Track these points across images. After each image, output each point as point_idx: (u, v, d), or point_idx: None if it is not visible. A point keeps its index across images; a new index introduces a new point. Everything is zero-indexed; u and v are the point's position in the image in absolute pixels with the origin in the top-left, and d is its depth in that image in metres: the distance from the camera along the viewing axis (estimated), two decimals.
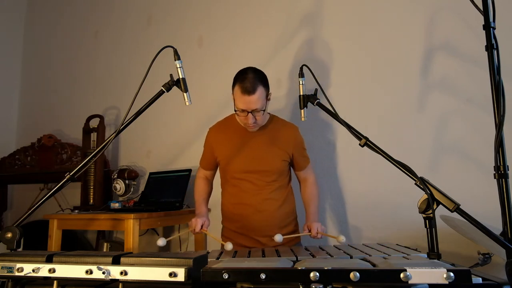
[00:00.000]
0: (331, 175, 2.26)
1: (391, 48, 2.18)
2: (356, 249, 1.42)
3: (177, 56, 1.46)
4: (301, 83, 1.61)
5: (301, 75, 1.61)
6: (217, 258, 1.29)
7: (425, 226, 1.15)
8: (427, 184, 1.17)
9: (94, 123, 2.85)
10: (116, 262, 0.93)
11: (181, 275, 0.86)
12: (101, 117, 2.86)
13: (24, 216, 1.32)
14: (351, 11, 2.30)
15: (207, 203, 1.94)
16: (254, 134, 1.84)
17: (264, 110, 1.73)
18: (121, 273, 0.89)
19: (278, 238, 1.59)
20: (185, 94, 1.46)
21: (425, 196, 1.15)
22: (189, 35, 2.82)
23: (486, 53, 1.17)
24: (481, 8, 1.19)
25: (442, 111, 2.03)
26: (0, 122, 3.44)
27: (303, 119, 1.61)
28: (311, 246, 1.56)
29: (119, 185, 2.66)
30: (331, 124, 2.29)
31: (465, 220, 1.09)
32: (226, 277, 0.84)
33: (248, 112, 1.69)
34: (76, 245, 2.83)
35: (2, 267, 0.97)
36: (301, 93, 1.60)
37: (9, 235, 1.23)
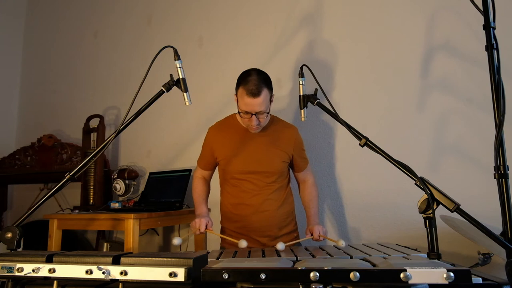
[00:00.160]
0: (331, 175, 2.26)
1: (391, 48, 2.18)
2: (356, 249, 1.42)
3: (177, 56, 1.46)
4: (301, 83, 1.61)
5: (301, 75, 1.61)
6: (217, 258, 1.29)
7: (425, 226, 1.16)
8: (427, 184, 1.17)
9: (94, 123, 2.85)
10: (116, 262, 0.93)
11: (181, 275, 0.86)
12: (101, 117, 2.86)
13: (24, 216, 1.32)
14: (351, 11, 2.30)
15: (207, 203, 1.93)
16: (255, 135, 1.83)
17: (268, 112, 1.73)
18: (121, 273, 0.89)
19: (280, 246, 1.57)
20: (185, 94, 1.46)
21: (425, 196, 1.15)
22: (189, 35, 2.82)
23: (486, 53, 1.17)
24: (481, 8, 1.19)
25: (442, 111, 2.03)
26: (0, 122, 3.44)
27: (303, 119, 1.61)
28: (311, 246, 1.56)
29: (119, 185, 2.66)
30: (331, 124, 2.29)
31: (465, 220, 1.09)
32: (226, 277, 0.84)
33: (252, 114, 1.69)
34: (76, 245, 2.83)
35: (2, 267, 0.97)
36: (301, 93, 1.60)
37: (9, 235, 1.23)
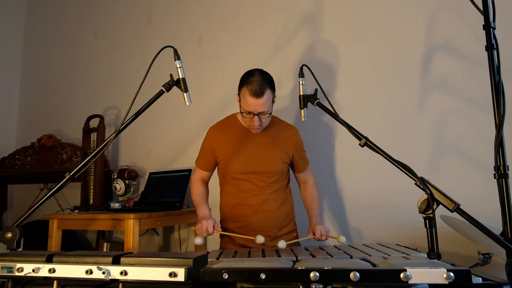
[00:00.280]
0: (331, 175, 2.26)
1: (391, 48, 2.18)
2: (356, 249, 1.42)
3: (177, 56, 1.46)
4: (301, 83, 1.61)
5: (301, 75, 1.61)
6: (217, 258, 1.29)
7: (425, 226, 1.15)
8: (427, 184, 1.17)
9: (94, 123, 2.85)
10: (116, 262, 0.93)
11: (181, 275, 0.86)
12: (101, 117, 2.86)
13: (24, 216, 1.32)
14: (351, 11, 2.30)
15: (208, 204, 1.90)
16: (255, 135, 1.84)
17: (270, 113, 1.73)
18: (121, 273, 0.89)
19: (282, 244, 1.57)
20: (185, 94, 1.46)
21: (425, 196, 1.15)
22: (189, 35, 2.82)
23: (486, 53, 1.17)
24: (481, 8, 1.19)
25: (442, 111, 2.03)
26: (0, 122, 3.44)
27: (303, 119, 1.61)
28: (311, 246, 1.56)
29: (119, 185, 2.66)
30: (331, 124, 2.29)
31: (465, 220, 1.09)
32: (226, 277, 0.84)
33: (255, 115, 1.69)
34: (76, 245, 2.83)
35: (2, 267, 0.97)
36: (301, 93, 1.60)
37: (9, 235, 1.23)
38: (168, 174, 2.64)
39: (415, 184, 1.20)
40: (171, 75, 1.46)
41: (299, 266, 0.86)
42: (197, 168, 1.95)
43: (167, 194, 2.53)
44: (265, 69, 1.76)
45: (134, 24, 3.09)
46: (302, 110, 1.61)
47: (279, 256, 1.32)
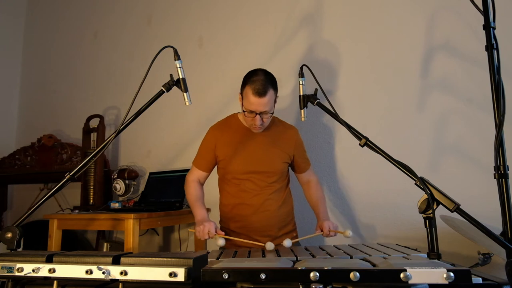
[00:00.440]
0: (331, 175, 2.26)
1: (391, 48, 2.18)
2: (356, 249, 1.42)
3: (177, 56, 1.46)
4: (301, 83, 1.61)
5: (301, 75, 1.61)
6: (217, 258, 1.29)
7: (425, 226, 1.15)
8: (427, 184, 1.17)
9: (94, 123, 2.85)
10: (116, 262, 0.93)
11: (181, 275, 0.86)
12: (101, 117, 2.87)
13: (24, 216, 1.32)
14: (351, 11, 2.30)
15: (205, 206, 1.87)
16: (256, 135, 1.84)
17: (272, 113, 1.73)
18: (121, 273, 0.89)
19: (287, 243, 1.56)
20: (185, 94, 1.45)
21: (425, 196, 1.15)
22: (189, 35, 2.82)
23: (486, 53, 1.17)
24: (481, 8, 1.19)
25: (442, 111, 2.03)
26: (0, 122, 3.44)
27: (303, 119, 1.61)
28: (311, 246, 1.56)
29: (119, 185, 2.66)
30: (331, 124, 2.29)
31: (465, 220, 1.09)
32: (226, 277, 0.84)
33: (257, 114, 1.69)
34: (76, 245, 2.83)
35: (2, 267, 0.97)
36: (301, 93, 1.60)
37: (9, 235, 1.23)
38: (168, 174, 2.64)
39: (415, 184, 1.20)
40: (171, 75, 1.46)
41: (299, 266, 0.86)
42: (195, 168, 1.91)
43: (167, 194, 2.53)
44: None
45: (134, 24, 3.09)
46: (302, 110, 1.61)
47: (279, 256, 1.32)
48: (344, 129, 1.40)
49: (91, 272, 0.91)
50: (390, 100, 2.15)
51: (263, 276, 0.82)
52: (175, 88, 1.46)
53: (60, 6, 3.53)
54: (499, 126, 1.11)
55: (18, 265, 0.96)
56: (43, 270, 0.94)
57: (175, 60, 1.45)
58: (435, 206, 1.14)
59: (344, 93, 2.27)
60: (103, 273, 0.90)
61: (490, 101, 1.14)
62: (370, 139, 1.35)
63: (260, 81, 1.65)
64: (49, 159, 2.99)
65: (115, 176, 2.70)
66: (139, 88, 1.39)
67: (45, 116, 3.38)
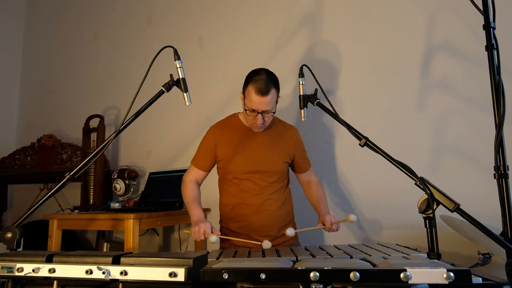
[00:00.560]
0: (331, 175, 2.26)
1: (391, 48, 2.18)
2: (356, 249, 1.42)
3: (177, 56, 1.46)
4: (301, 83, 1.61)
5: (301, 75, 1.61)
6: (217, 258, 1.29)
7: (425, 226, 1.15)
8: (427, 184, 1.17)
9: (94, 123, 2.85)
10: (116, 262, 0.93)
11: (181, 275, 0.86)
12: (101, 117, 2.87)
13: (24, 216, 1.32)
14: (351, 11, 2.30)
15: (201, 206, 1.82)
16: (256, 135, 1.84)
17: (274, 112, 1.74)
18: (121, 273, 0.89)
19: (290, 232, 1.56)
20: (185, 94, 1.45)
21: (425, 196, 1.15)
22: (189, 35, 2.82)
23: (486, 53, 1.17)
24: (481, 8, 1.19)
25: (442, 111, 2.03)
26: (0, 122, 3.44)
27: (303, 119, 1.61)
28: (311, 246, 1.56)
29: (119, 185, 2.66)
30: (331, 124, 2.29)
31: (465, 220, 1.09)
32: (226, 277, 0.84)
33: (258, 113, 1.69)
34: (76, 245, 2.83)
35: (2, 267, 0.97)
36: (301, 93, 1.60)
37: (9, 235, 1.23)
38: (168, 174, 2.64)
39: (415, 184, 1.20)
40: (171, 75, 1.46)
41: (299, 266, 0.86)
42: (193, 167, 1.89)
43: (167, 194, 2.53)
44: None
45: (134, 24, 3.09)
46: (302, 110, 1.61)
47: (279, 256, 1.32)
48: (344, 129, 1.40)
49: (91, 272, 0.91)
50: (390, 100, 2.15)
51: (263, 276, 0.82)
52: (175, 88, 1.46)
53: (60, 6, 3.53)
54: (499, 126, 1.11)
55: (18, 265, 0.96)
56: (43, 270, 0.94)
57: (175, 60, 1.45)
58: (435, 206, 1.14)
59: (344, 93, 2.27)
60: (103, 273, 0.90)
61: (490, 101, 1.14)
62: (370, 139, 1.35)
63: (263, 80, 1.66)
64: (49, 159, 2.99)
65: (115, 176, 2.70)
66: (139, 88, 1.39)
67: (45, 116, 3.38)
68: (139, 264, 0.90)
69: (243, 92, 1.74)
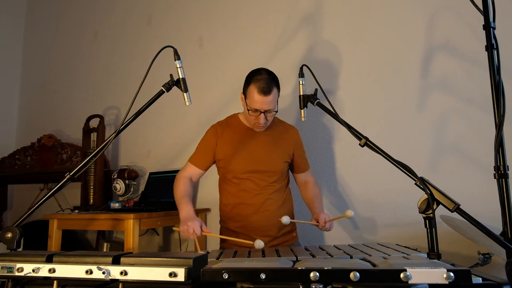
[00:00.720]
0: (331, 175, 2.26)
1: (391, 48, 2.18)
2: (356, 249, 1.42)
3: (177, 56, 1.46)
4: (301, 83, 1.61)
5: (301, 75, 1.61)
6: (217, 258, 1.29)
7: (425, 226, 1.15)
8: (427, 184, 1.17)
9: (94, 123, 2.85)
10: (116, 262, 0.93)
11: (181, 275, 0.86)
12: (101, 117, 2.86)
13: (24, 216, 1.31)
14: (351, 11, 2.30)
15: (192, 204, 1.75)
16: (256, 135, 1.84)
17: (276, 111, 1.74)
18: (121, 273, 0.89)
19: (286, 219, 1.57)
20: (185, 94, 1.45)
21: (425, 196, 1.15)
22: (189, 35, 2.82)
23: (486, 53, 1.17)
24: (481, 8, 1.19)
25: (442, 111, 2.03)
26: (0, 122, 3.44)
27: (303, 119, 1.61)
28: (311, 246, 1.56)
29: (119, 185, 2.66)
30: (331, 124, 2.29)
31: (465, 220, 1.09)
32: (226, 277, 0.84)
33: (261, 112, 1.70)
34: (76, 245, 2.83)
35: (2, 267, 0.97)
36: (301, 93, 1.60)
37: (9, 235, 1.23)
38: (168, 174, 2.64)
39: (415, 184, 1.20)
40: (171, 75, 1.46)
41: (299, 266, 0.86)
42: (190, 165, 1.87)
43: (167, 194, 2.52)
44: None
45: (134, 24, 3.09)
46: (302, 110, 1.61)
47: (279, 256, 1.32)
48: (344, 129, 1.40)
49: (91, 272, 0.91)
50: (390, 100, 2.15)
51: (263, 276, 0.82)
52: (175, 88, 1.46)
53: (60, 6, 3.53)
54: (499, 126, 1.11)
55: (18, 265, 0.96)
56: (43, 270, 0.94)
57: (175, 60, 1.45)
58: (435, 206, 1.14)
59: (344, 93, 2.27)
60: (103, 273, 0.90)
61: (490, 101, 1.14)
62: (370, 139, 1.35)
63: (265, 79, 1.66)
64: (49, 159, 2.99)
65: (115, 176, 2.70)
66: (139, 88, 1.39)
67: (45, 116, 3.38)
68: (139, 264, 0.90)
69: (244, 93, 1.74)
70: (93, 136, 2.85)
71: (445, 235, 1.50)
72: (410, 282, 0.78)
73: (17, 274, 0.95)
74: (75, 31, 3.38)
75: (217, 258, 1.29)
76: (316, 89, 1.58)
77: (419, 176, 1.20)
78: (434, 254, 1.12)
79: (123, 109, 3.02)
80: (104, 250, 2.59)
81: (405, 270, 0.79)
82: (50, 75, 3.46)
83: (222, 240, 1.92)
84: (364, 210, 2.15)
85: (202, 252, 1.22)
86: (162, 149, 2.82)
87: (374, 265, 0.97)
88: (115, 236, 2.92)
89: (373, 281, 0.80)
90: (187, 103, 1.46)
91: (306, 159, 1.97)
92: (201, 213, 2.54)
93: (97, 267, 0.90)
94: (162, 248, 2.77)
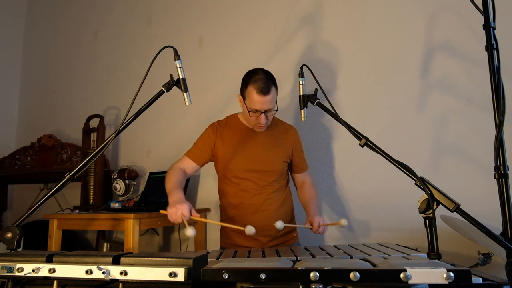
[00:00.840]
0: (331, 175, 2.26)
1: (391, 48, 2.18)
2: (356, 249, 1.42)
3: (177, 56, 1.46)
4: (301, 83, 1.61)
5: (301, 75, 1.61)
6: (217, 258, 1.29)
7: (425, 226, 1.15)
8: (427, 184, 1.17)
9: (94, 123, 2.85)
10: (116, 262, 0.93)
11: (181, 275, 0.86)
12: (101, 117, 2.86)
13: (24, 216, 1.31)
14: (351, 11, 2.30)
15: (183, 191, 1.69)
16: (256, 135, 1.84)
17: (276, 110, 1.74)
18: (121, 273, 0.89)
19: (280, 224, 1.58)
20: (185, 94, 1.45)
21: (425, 196, 1.15)
22: (189, 35, 2.82)
23: (486, 53, 1.17)
24: (481, 8, 1.19)
25: (442, 111, 2.03)
26: (0, 122, 3.44)
27: (303, 119, 1.61)
28: (311, 246, 1.56)
29: (119, 185, 2.65)
30: (331, 124, 2.29)
31: (465, 220, 1.09)
32: (226, 277, 0.84)
33: (262, 112, 1.70)
34: (76, 245, 2.83)
35: (2, 267, 0.97)
36: (301, 93, 1.60)
37: (9, 235, 1.23)
38: None
39: (415, 184, 1.20)
40: (171, 75, 1.46)
41: (299, 266, 0.86)
42: (186, 158, 1.85)
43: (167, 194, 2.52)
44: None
45: (134, 24, 3.09)
46: (302, 110, 1.61)
47: (279, 256, 1.32)
48: (343, 129, 1.40)
49: (91, 272, 0.91)
50: (390, 100, 2.15)
51: (263, 276, 0.82)
52: (175, 88, 1.46)
53: (60, 6, 3.53)
54: (499, 126, 1.11)
55: (18, 265, 0.96)
56: (43, 270, 0.94)
57: (175, 60, 1.45)
58: (435, 206, 1.14)
59: (344, 93, 2.27)
60: (103, 273, 0.90)
61: (490, 101, 1.14)
62: (370, 139, 1.35)
63: (262, 79, 1.67)
64: (49, 159, 2.99)
65: (115, 176, 2.70)
66: (139, 88, 1.39)
67: (45, 116, 3.38)
68: (139, 264, 0.90)
69: (242, 94, 1.74)
70: (93, 136, 2.85)
71: (445, 235, 1.50)
72: (410, 282, 0.78)
73: (17, 274, 0.95)
74: (75, 31, 3.38)
75: (217, 258, 1.29)
76: (316, 89, 1.58)
77: (419, 176, 1.20)
78: (434, 254, 1.12)
79: (123, 109, 3.02)
80: (104, 250, 2.59)
81: (405, 270, 0.79)
82: (50, 75, 3.46)
83: (221, 240, 1.93)
84: (364, 210, 2.15)
85: (202, 252, 1.22)
86: (162, 149, 2.82)
87: (374, 265, 0.97)
88: (115, 236, 2.92)
89: (373, 281, 0.80)
90: (187, 103, 1.46)
91: (304, 159, 1.97)
92: (201, 213, 2.54)
93: (97, 267, 0.90)
94: (162, 248, 2.77)
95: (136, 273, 0.89)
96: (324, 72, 2.31)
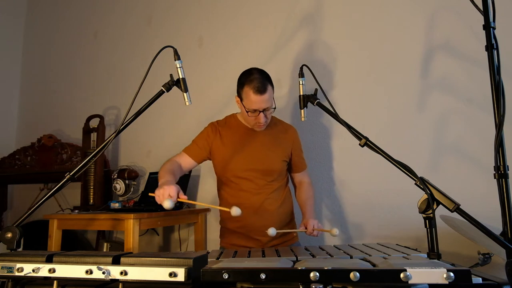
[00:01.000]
0: (331, 175, 2.26)
1: (391, 48, 2.18)
2: (356, 249, 1.42)
3: (177, 56, 1.46)
4: (301, 83, 1.61)
5: (301, 75, 1.61)
6: (217, 258, 1.29)
7: (425, 226, 1.15)
8: (427, 184, 1.17)
9: (94, 123, 2.85)
10: (116, 262, 0.93)
11: (181, 275, 0.86)
12: (101, 117, 2.86)
13: (24, 216, 1.32)
14: (351, 11, 2.30)
15: (174, 178, 1.66)
16: (255, 135, 1.84)
17: (274, 108, 1.75)
18: (121, 273, 0.89)
19: (272, 231, 1.59)
20: (185, 94, 1.46)
21: (425, 196, 1.15)
22: (189, 35, 2.82)
23: (486, 53, 1.17)
24: (481, 8, 1.19)
25: (442, 111, 2.03)
26: (0, 122, 3.44)
27: (303, 119, 1.61)
28: (311, 246, 1.56)
29: (119, 185, 2.65)
30: (331, 124, 2.29)
31: (465, 220, 1.09)
32: (226, 277, 0.84)
33: (260, 112, 1.70)
34: (76, 245, 2.83)
35: (2, 267, 0.97)
36: (301, 93, 1.60)
37: (9, 235, 1.23)
38: None
39: (415, 184, 1.20)
40: (171, 75, 1.46)
41: (299, 266, 0.86)
42: (184, 154, 1.85)
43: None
44: (264, 69, 1.77)
45: (134, 24, 3.09)
46: (302, 110, 1.61)
47: (279, 256, 1.32)
48: (343, 129, 1.40)
49: (91, 272, 0.91)
50: (390, 100, 2.15)
51: (263, 276, 0.82)
52: (175, 88, 1.46)
53: (60, 6, 3.53)
54: (499, 126, 1.11)
55: (18, 265, 0.96)
56: (43, 270, 0.94)
57: (175, 60, 1.45)
58: (435, 206, 1.14)
59: (344, 93, 2.27)
60: (103, 273, 0.90)
61: (490, 101, 1.14)
62: (370, 139, 1.35)
63: (258, 79, 1.67)
64: (49, 159, 2.99)
65: (115, 176, 2.70)
66: (139, 88, 1.39)
67: (45, 116, 3.38)
68: (139, 264, 0.90)
69: (239, 95, 1.75)
70: (93, 136, 2.85)
71: (445, 235, 1.50)
72: (410, 282, 0.78)
73: (17, 274, 0.95)
74: (75, 31, 3.38)
75: (217, 258, 1.29)
76: (316, 89, 1.58)
77: (419, 176, 1.20)
78: (434, 254, 1.12)
79: (123, 109, 3.02)
80: (104, 250, 2.59)
81: (405, 270, 0.79)
82: (50, 75, 3.46)
83: (221, 240, 1.93)
84: (364, 210, 2.15)
85: (202, 252, 1.22)
86: (162, 149, 2.82)
87: (374, 265, 0.97)
88: (115, 236, 2.92)
89: (373, 281, 0.80)
90: (187, 103, 1.46)
91: (303, 158, 1.97)
92: (201, 213, 2.54)
93: (97, 267, 0.91)
94: (162, 248, 2.77)
95: (136, 273, 0.89)
96: (324, 72, 2.31)
